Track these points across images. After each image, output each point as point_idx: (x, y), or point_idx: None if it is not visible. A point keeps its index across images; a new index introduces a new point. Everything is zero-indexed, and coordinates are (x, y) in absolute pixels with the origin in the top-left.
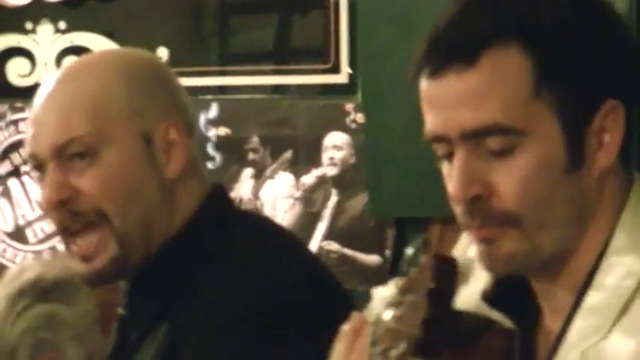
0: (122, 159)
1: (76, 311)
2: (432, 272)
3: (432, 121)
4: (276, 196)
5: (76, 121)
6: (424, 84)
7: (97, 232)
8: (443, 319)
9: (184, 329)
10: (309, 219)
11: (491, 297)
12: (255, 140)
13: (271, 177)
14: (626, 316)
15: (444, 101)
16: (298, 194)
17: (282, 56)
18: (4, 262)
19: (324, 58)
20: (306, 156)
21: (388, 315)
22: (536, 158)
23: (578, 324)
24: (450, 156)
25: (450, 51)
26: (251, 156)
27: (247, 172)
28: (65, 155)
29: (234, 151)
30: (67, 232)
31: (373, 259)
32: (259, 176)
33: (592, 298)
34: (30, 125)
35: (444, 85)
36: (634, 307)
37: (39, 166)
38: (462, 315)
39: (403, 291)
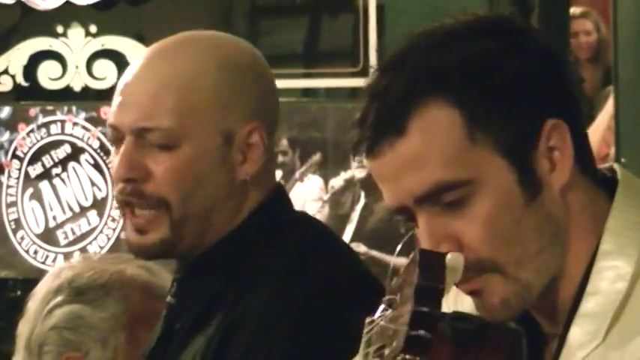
0: (198, 154)
1: (103, 315)
2: (418, 268)
3: (386, 196)
4: (305, 198)
5: (163, 108)
6: (366, 163)
7: (155, 211)
8: (433, 315)
9: (234, 326)
10: (337, 221)
11: None
12: (284, 143)
13: (300, 180)
14: (620, 319)
15: (387, 176)
16: (327, 197)
17: (311, 59)
18: (36, 263)
19: (352, 60)
20: (335, 159)
21: (382, 313)
22: (492, 201)
23: (576, 331)
24: (412, 219)
25: (377, 128)
26: (280, 158)
27: (276, 175)
28: (146, 137)
29: None
30: (126, 203)
31: (402, 262)
32: (288, 179)
33: (586, 304)
34: (118, 93)
35: (382, 161)
36: (627, 309)
37: (117, 137)
38: (467, 315)
39: (395, 289)
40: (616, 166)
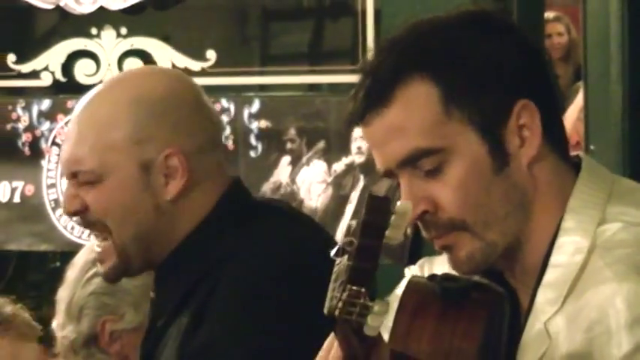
0: (120, 185)
1: (136, 283)
2: (366, 208)
3: (376, 160)
4: (310, 181)
5: (83, 152)
6: (361, 130)
7: (107, 242)
8: (375, 249)
9: (203, 313)
10: (339, 201)
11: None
12: (292, 132)
13: (306, 164)
14: (576, 288)
15: (376, 141)
16: (330, 179)
17: (315, 58)
18: (72, 238)
19: (352, 59)
20: (337, 146)
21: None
22: (464, 168)
23: (539, 299)
24: (399, 184)
25: (367, 100)
26: (288, 146)
27: (285, 160)
28: (77, 177)
29: (273, 142)
30: (91, 233)
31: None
32: (296, 163)
33: (548, 275)
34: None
35: (371, 128)
36: (581, 280)
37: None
38: (456, 277)
39: (354, 233)
40: (581, 154)
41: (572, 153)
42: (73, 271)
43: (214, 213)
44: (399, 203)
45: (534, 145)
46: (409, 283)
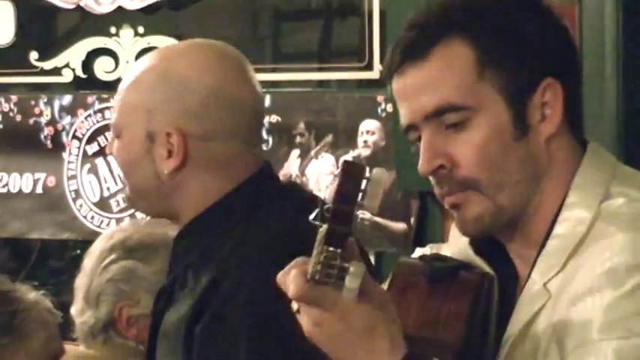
0: (128, 143)
1: (153, 269)
2: (340, 173)
3: (403, 113)
4: (319, 173)
5: (114, 107)
6: (393, 82)
7: None
8: (349, 212)
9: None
10: None
11: (477, 245)
12: (301, 126)
13: (315, 157)
14: (577, 253)
15: (408, 92)
16: (337, 172)
17: (324, 56)
18: (92, 227)
19: (359, 57)
20: (344, 139)
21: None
22: (486, 130)
23: (539, 266)
24: (419, 139)
25: (407, 51)
26: (298, 139)
27: (295, 153)
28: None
29: (283, 135)
30: None
31: (400, 226)
32: (305, 156)
33: (549, 245)
34: None
35: (406, 79)
36: (584, 246)
37: None
38: (446, 257)
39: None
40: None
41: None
42: (90, 259)
43: (226, 200)
44: (373, 171)
45: (554, 122)
46: (399, 263)
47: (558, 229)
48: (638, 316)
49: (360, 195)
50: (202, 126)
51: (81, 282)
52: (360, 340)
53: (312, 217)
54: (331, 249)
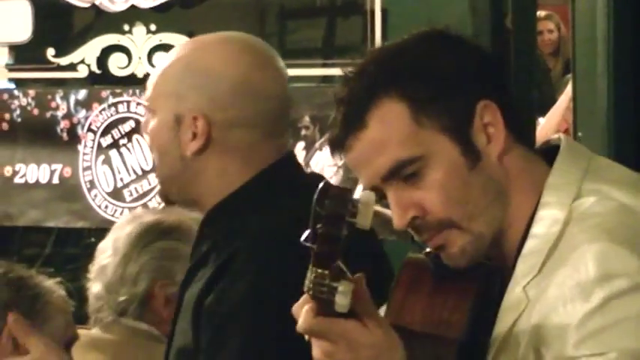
0: (159, 126)
1: (188, 249)
2: (328, 199)
3: (362, 180)
4: (323, 164)
5: (147, 90)
6: (344, 157)
7: None
8: (336, 236)
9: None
10: (349, 183)
11: None
12: (306, 120)
13: (319, 149)
14: (553, 255)
15: (360, 162)
16: (340, 163)
17: (328, 52)
18: (106, 216)
19: (362, 53)
20: None
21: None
22: (442, 171)
23: (519, 267)
24: (385, 197)
25: (345, 126)
26: (303, 132)
27: (300, 145)
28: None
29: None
30: None
31: None
32: (310, 148)
33: (527, 246)
34: None
35: (353, 152)
36: (558, 248)
37: None
38: None
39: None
40: (562, 136)
41: (552, 136)
42: (125, 241)
43: (247, 187)
44: (361, 193)
45: (500, 139)
46: (406, 260)
47: (535, 228)
48: (607, 331)
49: (352, 215)
50: (225, 113)
51: (112, 262)
52: None
53: (302, 238)
54: (319, 270)
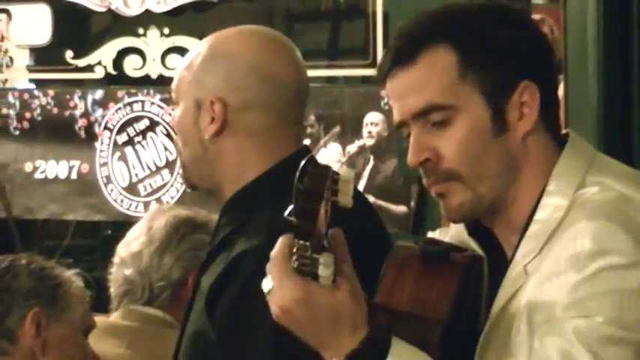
0: (182, 113)
1: None
2: (307, 175)
3: (395, 112)
4: (327, 161)
5: (174, 85)
6: (386, 85)
7: None
8: (314, 209)
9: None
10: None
11: (471, 229)
12: (311, 118)
13: (324, 146)
14: (553, 237)
15: (397, 94)
16: (344, 159)
17: (332, 54)
18: (122, 210)
19: (364, 55)
20: (351, 130)
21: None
22: (468, 127)
23: (522, 249)
24: (409, 136)
25: (396, 57)
26: (309, 130)
27: (305, 143)
28: None
29: None
30: None
31: (401, 208)
32: (314, 146)
33: (531, 230)
34: None
35: (395, 82)
36: (559, 231)
37: None
38: (438, 241)
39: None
40: (570, 131)
41: (563, 131)
42: (162, 231)
43: (263, 179)
44: (342, 171)
45: (530, 121)
46: (396, 246)
47: (539, 214)
48: (596, 298)
49: (333, 193)
50: (241, 97)
51: (147, 250)
52: (325, 327)
53: (286, 213)
54: (301, 242)
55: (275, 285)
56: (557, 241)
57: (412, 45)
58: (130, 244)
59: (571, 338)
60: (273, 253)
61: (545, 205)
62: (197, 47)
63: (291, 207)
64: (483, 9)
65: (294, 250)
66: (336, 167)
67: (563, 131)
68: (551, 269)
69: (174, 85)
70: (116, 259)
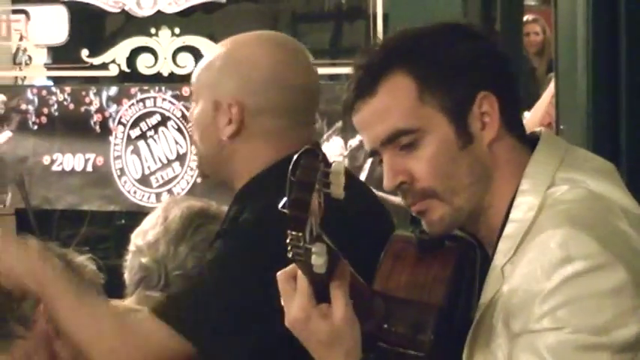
0: (200, 113)
1: None
2: (300, 167)
3: (365, 142)
4: (330, 154)
5: (193, 84)
6: (352, 117)
7: None
8: (306, 200)
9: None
10: (354, 171)
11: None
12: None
13: (327, 140)
14: (526, 239)
15: (364, 125)
16: (346, 153)
17: (335, 53)
18: (135, 200)
19: None
20: (352, 125)
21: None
22: (435, 145)
23: (499, 248)
24: (381, 162)
25: (357, 91)
26: None
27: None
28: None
29: None
30: None
31: (399, 199)
32: (318, 140)
33: (507, 229)
34: None
35: (360, 115)
36: (531, 232)
37: None
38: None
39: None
40: (543, 129)
41: (535, 130)
42: (177, 223)
43: (270, 170)
44: (333, 163)
45: (493, 129)
46: (393, 235)
47: (514, 213)
48: (566, 306)
49: (325, 185)
50: (257, 101)
51: (164, 239)
52: (321, 348)
53: (280, 205)
54: (294, 233)
55: (284, 301)
56: (528, 246)
57: (370, 76)
58: (147, 233)
59: (546, 355)
60: (283, 271)
61: (519, 204)
62: (216, 49)
63: (284, 199)
64: (434, 29)
65: (288, 240)
66: (338, 160)
67: (537, 129)
68: (523, 277)
69: (193, 83)
70: (132, 247)
